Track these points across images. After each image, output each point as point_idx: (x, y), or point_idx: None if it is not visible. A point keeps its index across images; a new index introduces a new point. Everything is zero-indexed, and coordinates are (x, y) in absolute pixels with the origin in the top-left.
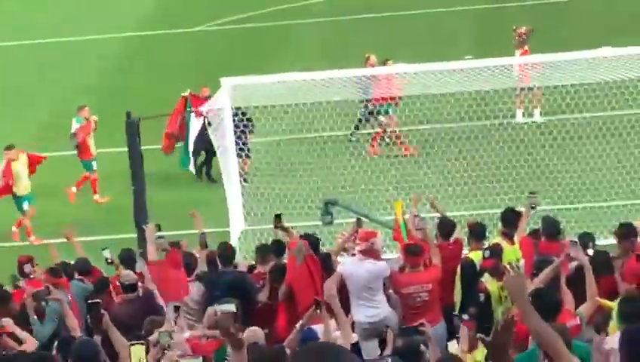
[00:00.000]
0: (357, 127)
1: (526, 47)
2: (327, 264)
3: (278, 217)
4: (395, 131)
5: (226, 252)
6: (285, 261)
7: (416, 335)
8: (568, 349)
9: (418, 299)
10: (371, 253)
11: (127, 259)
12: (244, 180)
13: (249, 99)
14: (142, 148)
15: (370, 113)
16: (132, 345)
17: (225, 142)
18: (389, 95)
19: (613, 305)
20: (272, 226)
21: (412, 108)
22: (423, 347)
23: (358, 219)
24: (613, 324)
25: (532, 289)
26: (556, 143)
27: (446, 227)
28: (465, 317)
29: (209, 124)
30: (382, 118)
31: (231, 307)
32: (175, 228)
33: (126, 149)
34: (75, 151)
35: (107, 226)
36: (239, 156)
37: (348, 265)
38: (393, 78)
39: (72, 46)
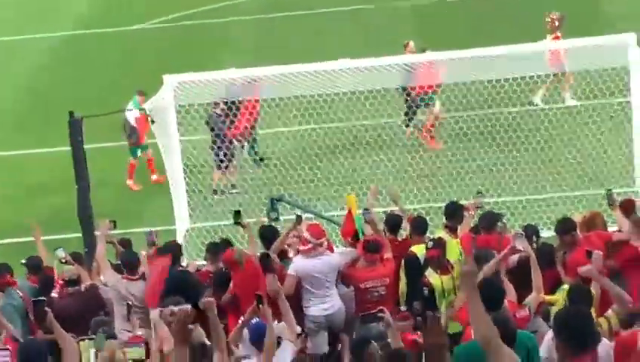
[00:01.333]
0: (407, 113)
1: (558, 33)
2: (265, 263)
3: (237, 214)
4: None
5: (174, 251)
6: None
7: (376, 322)
8: (513, 339)
9: (375, 294)
10: (320, 249)
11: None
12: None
13: (193, 97)
14: (85, 146)
15: (414, 102)
16: (82, 340)
17: (169, 140)
18: (435, 83)
19: (556, 298)
20: (217, 224)
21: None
22: (373, 345)
23: (298, 216)
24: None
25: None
26: (499, 136)
27: (392, 222)
28: (402, 308)
29: (152, 121)
30: (436, 108)
31: (187, 307)
32: (121, 226)
33: (69, 148)
34: (128, 137)
35: (51, 226)
36: (219, 168)
37: (302, 262)
38: (432, 66)
39: (10, 45)
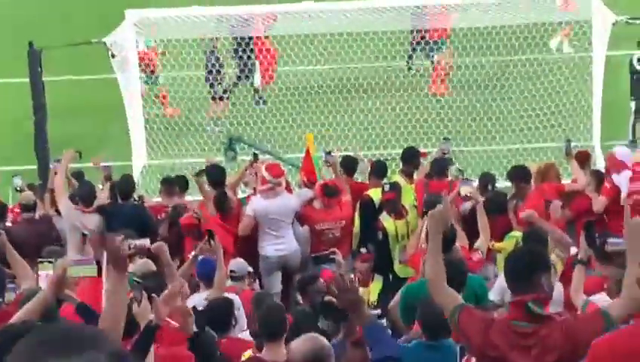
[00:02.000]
0: (410, 57)
1: None
2: (221, 201)
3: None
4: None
5: (126, 185)
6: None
7: (328, 263)
8: (463, 283)
9: (330, 236)
10: (278, 189)
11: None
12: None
13: (155, 33)
14: (44, 79)
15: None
16: (40, 262)
17: (128, 75)
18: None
19: (504, 245)
20: (173, 161)
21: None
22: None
23: (255, 155)
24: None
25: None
26: (459, 86)
27: (348, 164)
28: (363, 250)
29: (112, 55)
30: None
31: (145, 242)
32: (77, 160)
33: (27, 80)
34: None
35: (7, 157)
36: (213, 99)
37: (260, 202)
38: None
39: None
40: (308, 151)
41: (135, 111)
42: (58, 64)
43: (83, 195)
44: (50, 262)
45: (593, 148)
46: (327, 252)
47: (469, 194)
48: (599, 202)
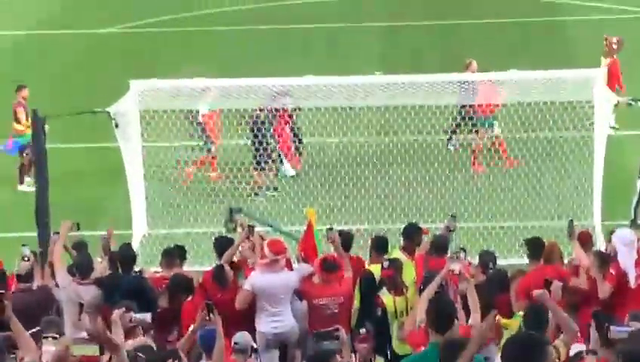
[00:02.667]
0: (454, 132)
1: (615, 57)
2: (218, 274)
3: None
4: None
5: (127, 255)
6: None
7: (331, 339)
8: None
9: (328, 311)
10: (278, 265)
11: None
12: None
13: (157, 103)
14: (47, 146)
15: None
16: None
17: (131, 144)
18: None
19: (510, 322)
20: (173, 231)
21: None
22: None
23: (250, 226)
24: None
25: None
26: (461, 161)
27: (345, 239)
28: (362, 331)
29: (116, 125)
30: (495, 130)
31: (147, 317)
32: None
33: None
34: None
35: (8, 223)
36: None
37: (259, 277)
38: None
39: None
40: (309, 227)
41: (136, 180)
42: (61, 132)
43: (80, 267)
44: (54, 338)
45: (593, 228)
46: (330, 329)
47: (455, 271)
48: (604, 289)
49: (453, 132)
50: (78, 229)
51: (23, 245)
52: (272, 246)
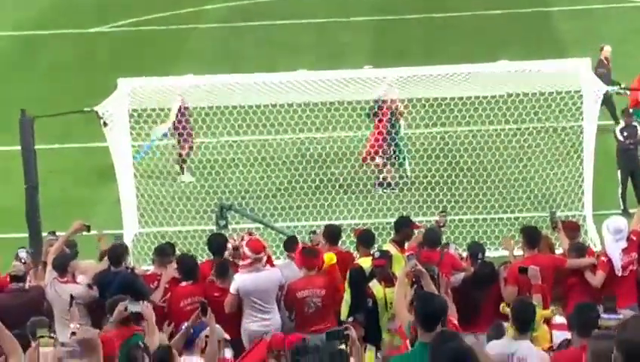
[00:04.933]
0: None
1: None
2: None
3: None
4: None
5: (116, 251)
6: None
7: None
8: None
9: (312, 304)
10: (260, 264)
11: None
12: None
13: (146, 101)
14: (36, 147)
15: None
16: (41, 337)
17: (120, 143)
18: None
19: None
20: (165, 229)
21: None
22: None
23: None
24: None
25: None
26: (451, 154)
27: (332, 233)
28: (350, 319)
29: (105, 124)
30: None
31: (138, 308)
32: (66, 228)
33: (19, 147)
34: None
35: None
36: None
37: (242, 279)
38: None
39: None
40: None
41: (126, 180)
42: (49, 132)
43: (56, 265)
44: (51, 337)
45: (585, 218)
46: (340, 328)
47: (411, 269)
48: (598, 278)
49: None
50: (89, 231)
51: (20, 247)
52: (252, 245)
